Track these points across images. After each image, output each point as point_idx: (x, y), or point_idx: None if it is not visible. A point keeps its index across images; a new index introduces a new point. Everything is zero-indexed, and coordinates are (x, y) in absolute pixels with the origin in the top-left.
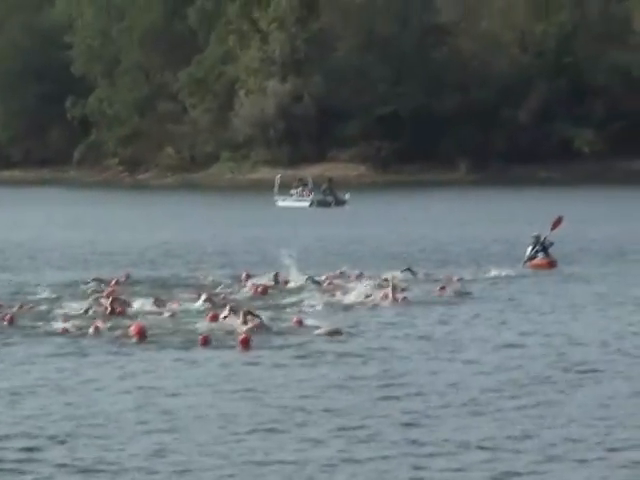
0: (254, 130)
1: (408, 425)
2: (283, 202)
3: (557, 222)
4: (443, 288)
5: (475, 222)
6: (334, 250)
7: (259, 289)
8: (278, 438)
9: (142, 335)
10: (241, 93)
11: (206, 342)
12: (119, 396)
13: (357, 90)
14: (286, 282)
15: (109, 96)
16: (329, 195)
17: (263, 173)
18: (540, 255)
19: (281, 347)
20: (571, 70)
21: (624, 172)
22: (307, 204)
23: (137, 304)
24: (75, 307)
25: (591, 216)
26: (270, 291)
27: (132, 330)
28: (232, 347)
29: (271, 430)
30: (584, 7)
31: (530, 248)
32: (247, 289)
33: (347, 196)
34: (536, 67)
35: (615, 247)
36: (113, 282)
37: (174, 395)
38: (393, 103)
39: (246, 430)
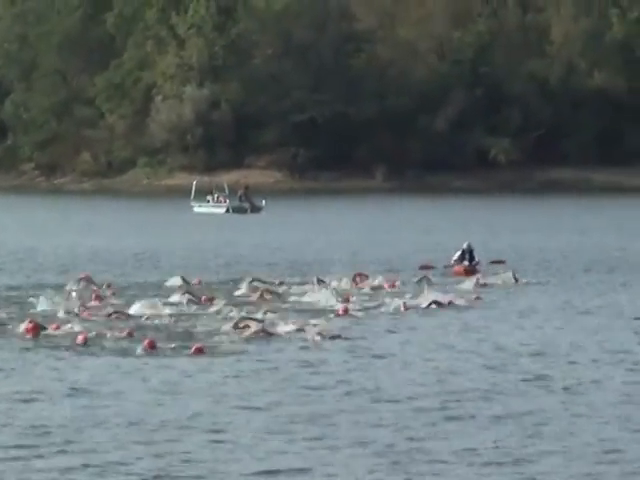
0: (171, 136)
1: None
2: (199, 208)
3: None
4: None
5: (391, 229)
6: (249, 257)
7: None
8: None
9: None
10: (158, 99)
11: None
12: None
13: (274, 97)
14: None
15: (26, 100)
16: (245, 201)
17: (180, 179)
18: (465, 262)
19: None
20: (488, 79)
21: (540, 181)
22: (223, 210)
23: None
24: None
25: (508, 225)
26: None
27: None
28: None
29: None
30: (502, 16)
31: (458, 254)
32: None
33: (263, 203)
34: (453, 76)
35: (532, 256)
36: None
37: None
38: (310, 110)
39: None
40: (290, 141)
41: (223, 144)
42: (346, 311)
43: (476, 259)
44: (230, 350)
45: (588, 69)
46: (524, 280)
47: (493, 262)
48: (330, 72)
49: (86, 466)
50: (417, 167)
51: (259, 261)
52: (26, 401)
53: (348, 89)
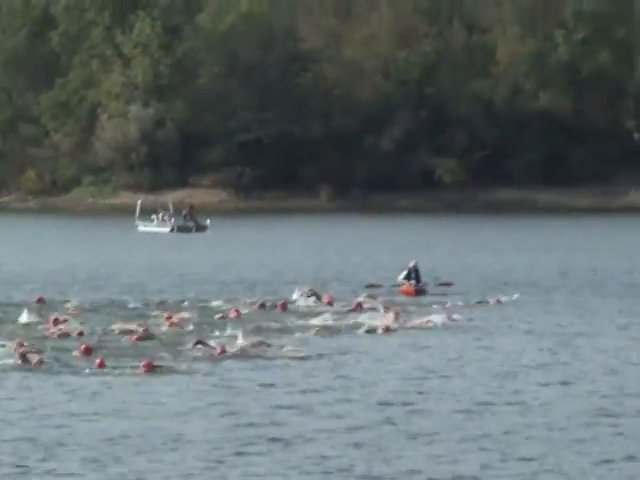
0: (116, 154)
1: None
2: (144, 227)
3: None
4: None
5: (336, 249)
6: (197, 276)
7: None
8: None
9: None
10: (103, 117)
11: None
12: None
13: (220, 116)
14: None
15: None
16: (190, 221)
17: (125, 198)
18: (412, 282)
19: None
20: (433, 99)
21: (485, 202)
22: (168, 229)
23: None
24: None
25: (453, 245)
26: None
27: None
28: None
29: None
30: (447, 37)
31: (404, 274)
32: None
33: (208, 222)
34: (399, 96)
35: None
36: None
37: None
38: (256, 129)
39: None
40: (236, 160)
41: (168, 163)
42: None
43: (422, 279)
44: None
45: (533, 90)
46: (473, 301)
47: (441, 284)
48: (276, 92)
49: None
50: (362, 187)
51: (206, 280)
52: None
53: (294, 109)
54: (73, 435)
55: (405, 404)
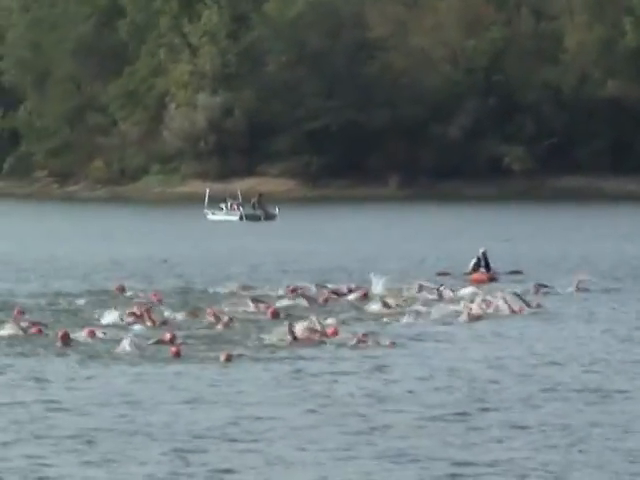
0: (184, 143)
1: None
2: (213, 216)
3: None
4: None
5: (406, 237)
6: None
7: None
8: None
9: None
10: (171, 106)
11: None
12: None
13: (287, 105)
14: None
15: (39, 107)
16: (259, 209)
17: (193, 186)
18: (482, 270)
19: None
20: (501, 87)
21: (553, 189)
22: (237, 218)
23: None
24: None
25: (522, 233)
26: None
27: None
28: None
29: None
30: (515, 24)
31: (473, 262)
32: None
33: (277, 210)
34: (466, 84)
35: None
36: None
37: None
38: (323, 118)
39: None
40: (303, 149)
41: (236, 152)
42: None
43: (491, 266)
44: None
45: (602, 77)
46: (544, 290)
47: (511, 272)
48: (343, 80)
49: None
50: (430, 175)
51: (280, 269)
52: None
53: (361, 97)
54: (151, 426)
55: (489, 394)
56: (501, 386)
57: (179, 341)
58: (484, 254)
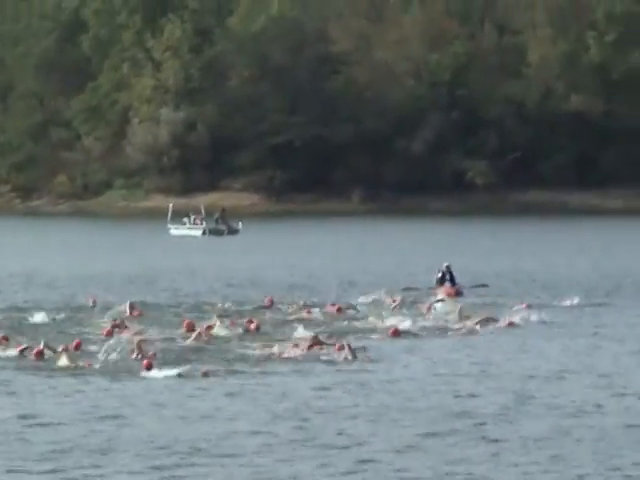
0: (147, 158)
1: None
2: (176, 230)
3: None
4: None
5: (370, 252)
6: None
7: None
8: None
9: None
10: (134, 121)
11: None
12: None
13: (251, 119)
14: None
15: (2, 122)
16: (222, 224)
17: (156, 201)
18: (447, 284)
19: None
20: (465, 102)
21: (517, 204)
22: (200, 233)
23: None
24: None
25: (485, 247)
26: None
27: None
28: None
29: None
30: (479, 39)
31: (439, 276)
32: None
33: (240, 225)
34: (430, 98)
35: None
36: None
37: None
38: (287, 132)
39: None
40: (267, 163)
41: (199, 166)
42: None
43: (456, 281)
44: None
45: (565, 92)
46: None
47: (476, 286)
48: (307, 94)
49: None
50: (394, 189)
51: (248, 284)
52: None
53: (325, 111)
54: (120, 440)
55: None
56: (480, 400)
57: (151, 353)
58: (448, 268)
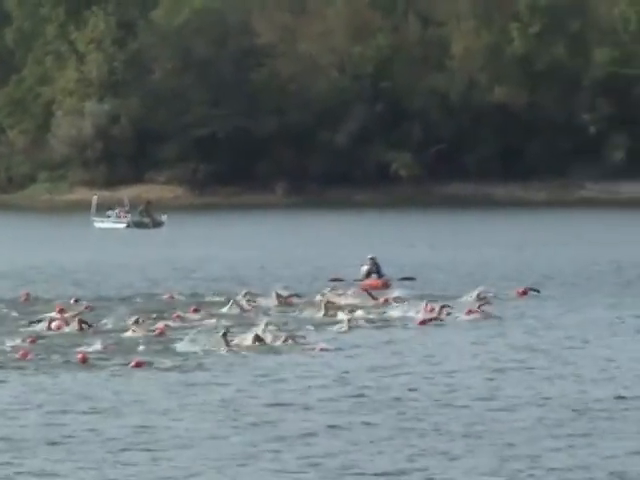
0: (71, 151)
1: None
2: (101, 223)
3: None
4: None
5: (294, 244)
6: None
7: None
8: None
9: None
10: (58, 114)
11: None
12: None
13: (174, 112)
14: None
15: None
16: (146, 216)
17: (80, 194)
18: (374, 276)
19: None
20: (389, 94)
21: (441, 196)
22: (124, 225)
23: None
24: None
25: (411, 239)
26: None
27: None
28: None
29: None
30: (402, 31)
31: (365, 268)
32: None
33: (164, 218)
34: (354, 90)
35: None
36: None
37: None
38: (211, 125)
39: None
40: (191, 156)
41: (124, 159)
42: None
43: (382, 273)
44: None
45: (489, 83)
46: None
47: (403, 278)
48: (230, 87)
49: None
50: (318, 182)
51: (172, 276)
52: None
53: (248, 104)
54: (49, 433)
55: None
56: (415, 393)
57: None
58: (374, 260)
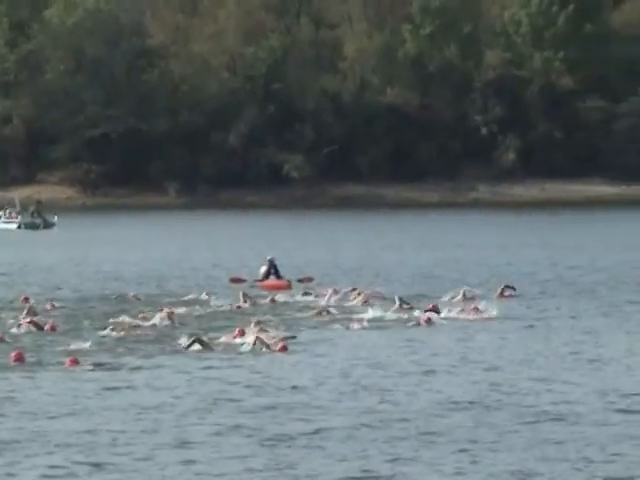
0: None
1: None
2: None
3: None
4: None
5: (187, 245)
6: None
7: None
8: None
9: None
10: None
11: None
12: None
13: (67, 112)
14: None
15: None
16: (37, 217)
17: None
18: (272, 277)
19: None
20: (281, 95)
21: (334, 197)
22: (15, 226)
23: None
24: None
25: (302, 240)
26: None
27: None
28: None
29: None
30: (295, 32)
31: (264, 269)
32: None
33: (55, 219)
34: (246, 92)
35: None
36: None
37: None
38: (103, 126)
39: None
40: (83, 157)
41: (15, 159)
42: None
43: (280, 274)
44: None
45: (381, 85)
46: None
47: (301, 279)
48: (123, 87)
49: None
50: (210, 183)
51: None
52: None
53: (141, 104)
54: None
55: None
56: (390, 393)
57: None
58: (272, 261)
